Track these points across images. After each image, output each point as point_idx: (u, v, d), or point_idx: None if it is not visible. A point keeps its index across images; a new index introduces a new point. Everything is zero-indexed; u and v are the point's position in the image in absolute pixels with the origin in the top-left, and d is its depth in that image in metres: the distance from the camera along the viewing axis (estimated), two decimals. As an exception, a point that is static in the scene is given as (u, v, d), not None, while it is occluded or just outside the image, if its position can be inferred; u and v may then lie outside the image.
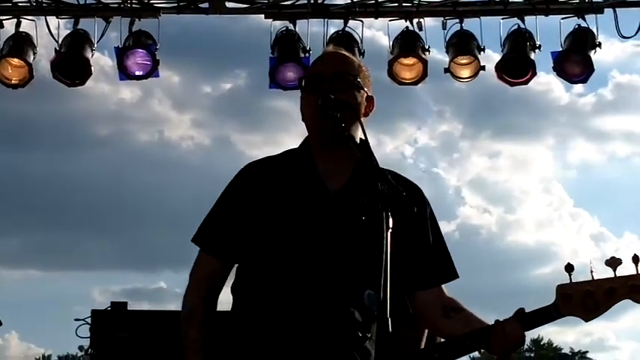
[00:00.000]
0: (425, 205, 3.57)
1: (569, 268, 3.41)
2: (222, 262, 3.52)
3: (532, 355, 57.08)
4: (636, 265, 3.36)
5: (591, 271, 3.42)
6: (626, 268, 3.39)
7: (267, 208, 3.45)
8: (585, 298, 3.41)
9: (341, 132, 3.33)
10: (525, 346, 57.37)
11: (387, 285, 2.88)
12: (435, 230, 3.59)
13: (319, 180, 3.47)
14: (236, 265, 3.55)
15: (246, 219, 3.46)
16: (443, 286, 3.59)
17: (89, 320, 8.27)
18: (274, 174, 3.54)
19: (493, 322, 3.41)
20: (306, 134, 3.61)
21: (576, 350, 58.03)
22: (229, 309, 3.54)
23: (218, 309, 3.56)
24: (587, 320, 3.45)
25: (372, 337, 3.34)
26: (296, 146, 3.65)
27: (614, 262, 3.37)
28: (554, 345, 57.60)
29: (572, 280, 3.41)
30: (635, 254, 3.36)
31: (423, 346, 4.66)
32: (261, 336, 3.35)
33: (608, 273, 3.40)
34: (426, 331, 4.59)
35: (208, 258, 3.52)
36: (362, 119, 3.44)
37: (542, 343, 57.55)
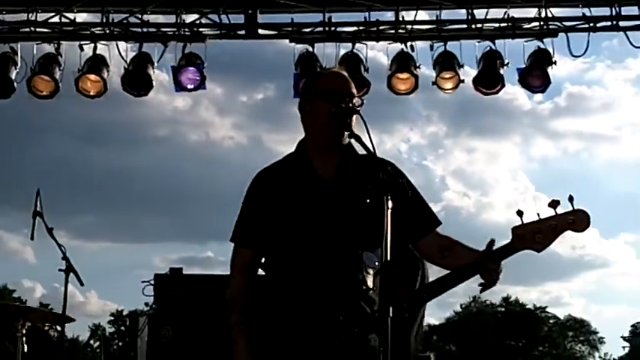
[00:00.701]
0: (402, 175, 3.55)
1: (520, 213, 3.42)
2: (255, 251, 3.56)
3: (503, 309, 56.66)
4: (572, 204, 3.37)
5: (537, 214, 3.42)
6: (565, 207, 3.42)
7: (280, 202, 3.49)
8: (535, 235, 3.40)
9: (351, 133, 3.38)
10: (497, 303, 57.21)
11: (388, 250, 2.98)
12: (415, 194, 3.58)
13: (315, 173, 3.52)
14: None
15: (266, 215, 3.50)
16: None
17: (152, 282, 8.34)
18: (281, 176, 3.57)
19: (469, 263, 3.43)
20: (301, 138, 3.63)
21: (538, 306, 57.68)
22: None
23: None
24: (539, 251, 3.44)
25: (375, 289, 3.36)
26: (292, 150, 3.66)
27: (554, 204, 3.38)
28: (521, 302, 57.27)
29: (523, 221, 3.42)
30: (570, 195, 3.38)
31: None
32: (287, 294, 3.40)
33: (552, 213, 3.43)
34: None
35: (244, 250, 3.57)
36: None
37: (510, 300, 57.18)
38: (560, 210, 3.42)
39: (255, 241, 3.55)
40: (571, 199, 3.39)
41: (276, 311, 3.42)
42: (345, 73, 3.68)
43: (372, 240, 3.30)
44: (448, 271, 3.57)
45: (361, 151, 3.39)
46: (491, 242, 3.45)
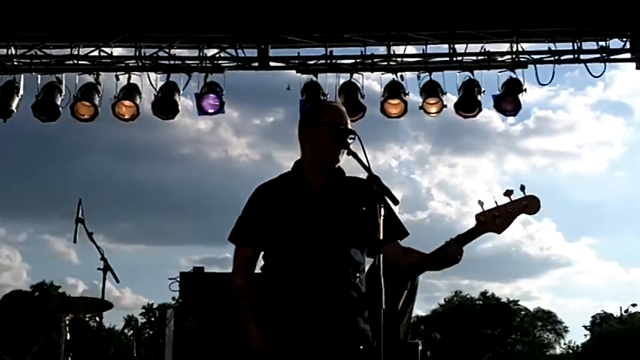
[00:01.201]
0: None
1: (481, 202, 3.41)
2: (254, 249, 3.57)
3: (481, 302, 56.48)
4: (524, 192, 3.36)
5: (495, 202, 3.41)
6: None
7: (277, 207, 3.53)
8: (495, 219, 3.38)
9: (349, 151, 3.40)
10: (476, 297, 57.04)
11: (382, 251, 3.02)
12: (389, 210, 3.51)
13: (308, 185, 3.56)
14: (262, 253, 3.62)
15: (264, 218, 3.53)
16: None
17: (178, 279, 8.32)
18: (278, 188, 3.61)
19: (441, 246, 3.41)
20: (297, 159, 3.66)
21: (511, 299, 57.40)
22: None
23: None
24: (499, 233, 3.42)
25: (361, 280, 3.42)
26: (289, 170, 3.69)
27: (508, 193, 3.38)
28: (496, 296, 57.06)
29: (484, 209, 3.41)
30: (521, 184, 3.38)
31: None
32: (285, 284, 3.44)
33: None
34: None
35: (244, 249, 3.58)
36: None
37: (487, 294, 56.91)
38: (514, 197, 3.42)
39: (254, 240, 3.57)
40: (522, 188, 3.39)
41: (275, 300, 3.43)
42: (342, 107, 3.70)
43: (356, 239, 3.42)
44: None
45: (351, 173, 3.48)
46: (457, 236, 3.45)
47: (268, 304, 3.44)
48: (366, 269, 3.51)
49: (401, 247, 3.58)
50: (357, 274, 3.43)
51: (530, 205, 3.43)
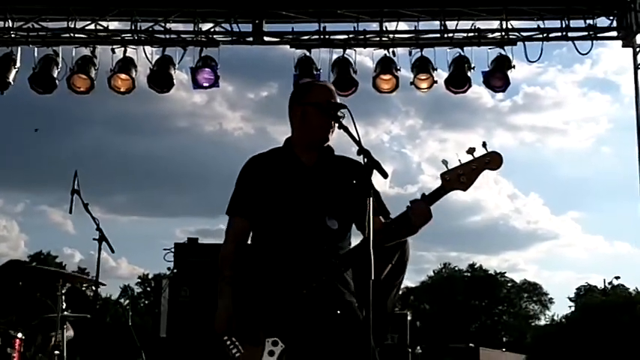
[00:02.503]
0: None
1: (445, 162, 3.37)
2: (248, 220, 3.54)
3: (469, 274, 56.78)
4: (485, 148, 3.33)
5: (459, 160, 3.37)
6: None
7: (269, 180, 3.52)
8: (459, 177, 3.36)
9: (340, 124, 3.38)
10: (464, 269, 57.36)
11: (371, 226, 3.02)
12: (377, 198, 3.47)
13: (299, 162, 3.56)
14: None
15: (257, 192, 3.51)
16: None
17: (172, 250, 8.34)
18: (270, 161, 3.59)
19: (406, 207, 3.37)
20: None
21: (498, 272, 57.74)
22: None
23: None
24: (464, 190, 3.40)
25: (339, 245, 3.43)
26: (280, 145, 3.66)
27: (471, 150, 3.35)
28: (484, 268, 57.38)
29: (448, 168, 3.37)
30: (483, 141, 3.36)
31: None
32: (267, 259, 3.43)
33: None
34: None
35: (238, 220, 3.55)
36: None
37: (475, 266, 57.21)
38: (477, 155, 3.38)
39: (248, 211, 3.54)
40: (484, 144, 3.37)
41: (259, 270, 3.42)
42: (331, 86, 3.70)
43: (339, 211, 3.43)
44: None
45: (342, 148, 3.45)
46: (422, 194, 3.41)
47: (252, 273, 3.44)
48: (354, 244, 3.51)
49: (380, 221, 3.51)
50: (334, 242, 3.43)
51: (492, 160, 3.40)
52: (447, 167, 3.39)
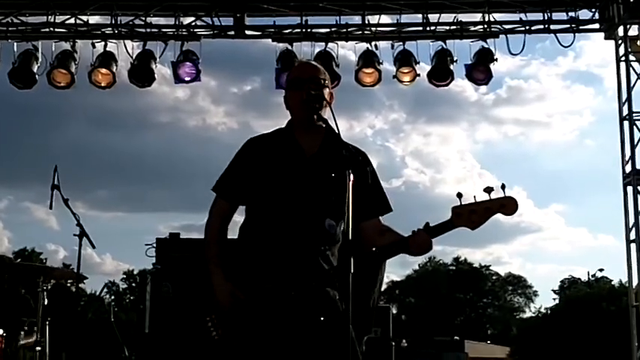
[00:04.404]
0: (370, 164, 3.54)
1: (459, 195, 3.32)
2: (230, 204, 3.50)
3: (454, 268, 56.92)
4: (504, 191, 3.28)
5: (474, 197, 3.31)
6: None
7: (264, 167, 3.42)
8: (470, 215, 3.31)
9: (318, 116, 3.34)
10: (449, 262, 57.51)
11: (350, 219, 3.01)
12: (374, 180, 3.52)
13: (299, 149, 3.45)
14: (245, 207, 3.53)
15: (250, 175, 3.43)
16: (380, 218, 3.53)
17: (154, 245, 8.28)
18: (268, 145, 3.50)
19: (411, 234, 3.33)
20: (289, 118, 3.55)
21: (483, 264, 57.92)
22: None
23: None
24: (472, 229, 3.35)
25: (333, 252, 3.37)
26: (283, 126, 3.56)
27: (488, 190, 3.29)
28: (469, 261, 57.53)
29: (462, 202, 3.31)
30: (502, 183, 3.31)
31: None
32: (256, 249, 3.36)
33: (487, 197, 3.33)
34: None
35: (222, 202, 3.50)
36: (330, 106, 3.38)
37: (460, 260, 57.33)
38: (494, 196, 3.32)
39: (234, 195, 3.49)
40: (503, 186, 3.31)
41: (248, 260, 3.37)
42: (314, 62, 3.62)
43: (339, 211, 3.31)
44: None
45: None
46: (427, 224, 3.35)
47: (242, 262, 3.39)
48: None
49: (380, 225, 3.51)
50: (329, 246, 3.36)
51: (507, 206, 3.37)
52: (460, 201, 3.33)
